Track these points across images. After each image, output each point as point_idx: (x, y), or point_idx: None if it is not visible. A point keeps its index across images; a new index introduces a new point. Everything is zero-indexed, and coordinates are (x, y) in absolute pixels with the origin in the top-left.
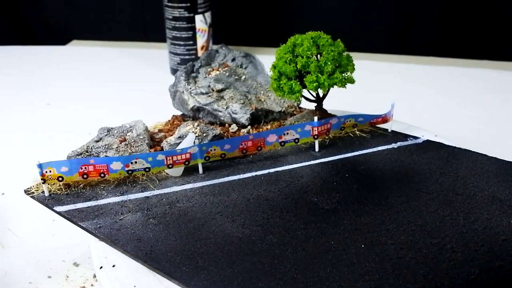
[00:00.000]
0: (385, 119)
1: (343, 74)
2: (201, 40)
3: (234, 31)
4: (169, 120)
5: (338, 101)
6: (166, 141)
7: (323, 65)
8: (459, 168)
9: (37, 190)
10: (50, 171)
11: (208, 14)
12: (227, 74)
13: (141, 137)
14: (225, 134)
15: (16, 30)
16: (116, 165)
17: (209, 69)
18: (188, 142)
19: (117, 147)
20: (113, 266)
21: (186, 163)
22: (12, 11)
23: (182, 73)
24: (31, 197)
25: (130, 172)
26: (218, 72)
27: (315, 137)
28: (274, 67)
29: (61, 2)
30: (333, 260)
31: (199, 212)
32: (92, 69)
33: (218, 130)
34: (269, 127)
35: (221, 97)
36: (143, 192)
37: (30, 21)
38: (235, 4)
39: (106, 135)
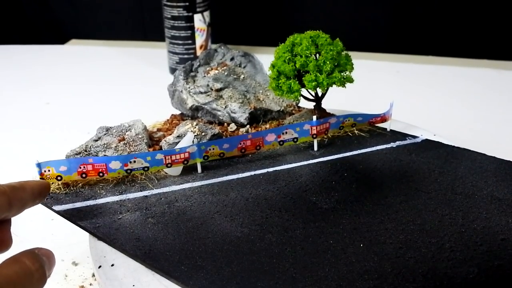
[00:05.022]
0: (384, 118)
1: (342, 74)
2: (200, 39)
3: (233, 30)
4: (168, 119)
5: (337, 101)
6: (165, 140)
7: (322, 64)
8: (458, 167)
9: None
10: (49, 170)
11: (207, 13)
12: (226, 73)
13: (140, 136)
14: (224, 133)
15: (15, 29)
16: (115, 164)
17: (208, 68)
18: (187, 141)
19: (116, 146)
20: (112, 265)
21: (185, 162)
22: (11, 10)
23: (181, 72)
24: None
25: (128, 171)
26: (217, 71)
27: (314, 136)
28: (273, 66)
29: (60, 1)
30: (332, 260)
31: (197, 211)
32: (91, 68)
33: (217, 129)
34: (268, 126)
35: (220, 96)
36: (141, 191)
37: (29, 20)
38: (234, 4)
39: (105, 134)
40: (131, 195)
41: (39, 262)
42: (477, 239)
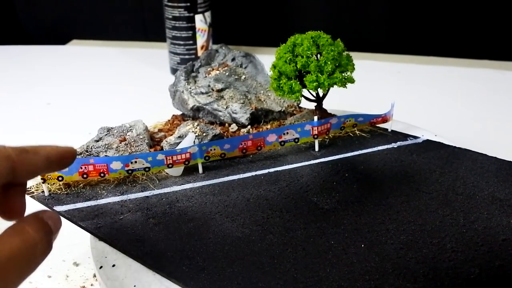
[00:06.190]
0: (385, 118)
1: (343, 74)
2: (201, 39)
3: (234, 31)
4: (169, 120)
5: (338, 101)
6: (166, 141)
7: (323, 64)
8: (459, 167)
9: (37, 190)
10: None
11: (208, 14)
12: (227, 73)
13: (141, 137)
14: (225, 134)
15: (16, 29)
16: (116, 165)
17: (209, 69)
18: (188, 141)
19: (117, 147)
20: (113, 265)
21: (186, 162)
22: (12, 11)
23: (182, 72)
24: (31, 196)
25: (130, 171)
26: (218, 71)
27: (315, 136)
28: (274, 66)
29: (60, 1)
30: (333, 260)
31: (199, 211)
32: (92, 69)
33: (218, 130)
34: (269, 126)
35: (221, 97)
36: (143, 191)
37: (29, 21)
38: (235, 4)
39: (106, 134)
40: (132, 196)
41: (44, 229)
42: (478, 239)
